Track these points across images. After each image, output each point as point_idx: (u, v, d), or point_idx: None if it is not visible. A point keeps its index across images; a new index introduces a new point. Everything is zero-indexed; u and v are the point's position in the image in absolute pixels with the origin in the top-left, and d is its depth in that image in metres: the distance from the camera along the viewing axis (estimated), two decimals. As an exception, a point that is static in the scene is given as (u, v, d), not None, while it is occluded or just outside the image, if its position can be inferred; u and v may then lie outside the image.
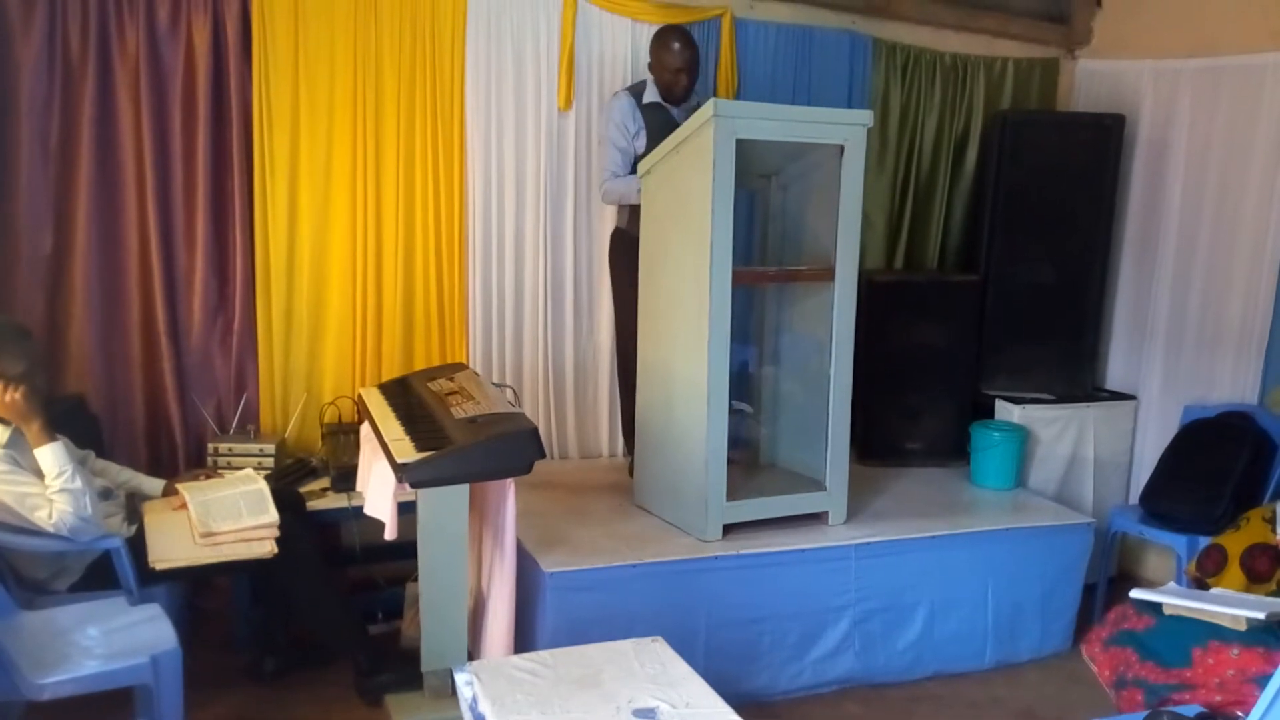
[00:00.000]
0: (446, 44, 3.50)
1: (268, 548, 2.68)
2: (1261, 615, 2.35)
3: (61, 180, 3.16)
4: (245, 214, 3.35)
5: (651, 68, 3.45)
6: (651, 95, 3.44)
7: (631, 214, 3.49)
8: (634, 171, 3.43)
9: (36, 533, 2.55)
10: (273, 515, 2.75)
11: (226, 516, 2.73)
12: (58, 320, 3.21)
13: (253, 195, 3.35)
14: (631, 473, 3.53)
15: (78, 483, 2.53)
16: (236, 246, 3.36)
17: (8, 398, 2.51)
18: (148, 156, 3.21)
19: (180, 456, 3.38)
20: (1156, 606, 2.53)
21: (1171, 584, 2.88)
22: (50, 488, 2.51)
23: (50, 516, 2.50)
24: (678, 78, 3.38)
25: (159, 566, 2.56)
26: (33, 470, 2.54)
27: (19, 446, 2.55)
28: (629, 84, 3.59)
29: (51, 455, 2.53)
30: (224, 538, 2.68)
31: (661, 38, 3.41)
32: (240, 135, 3.31)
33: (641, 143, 3.42)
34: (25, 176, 3.10)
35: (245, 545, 2.68)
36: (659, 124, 3.41)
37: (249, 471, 3.01)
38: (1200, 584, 3.13)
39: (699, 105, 3.50)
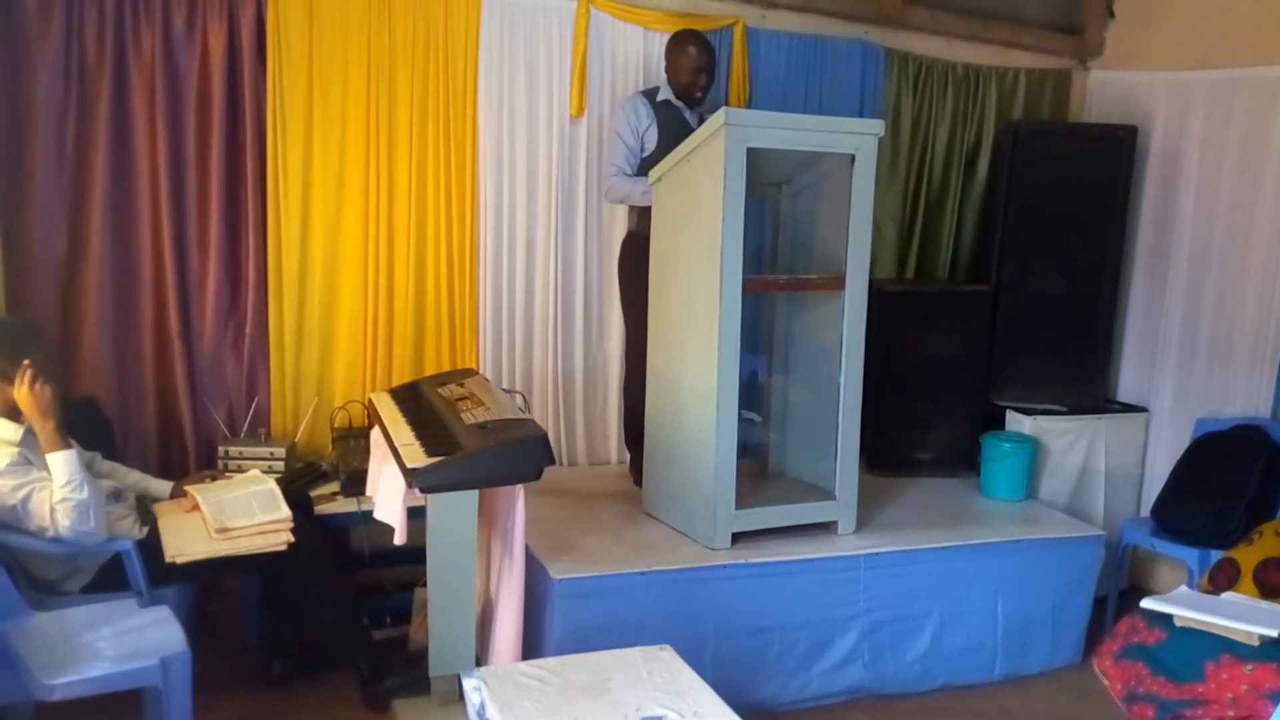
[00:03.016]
0: (459, 51, 3.52)
1: (283, 538, 2.70)
2: (1273, 632, 2.33)
3: (76, 184, 3.18)
4: (258, 218, 3.37)
5: (667, 70, 3.50)
6: (665, 95, 3.49)
7: (642, 217, 3.51)
8: (641, 173, 3.46)
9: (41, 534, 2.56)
10: (285, 512, 2.78)
11: (240, 514, 2.75)
12: (71, 323, 3.23)
13: (266, 200, 3.36)
14: (636, 480, 3.53)
15: (84, 493, 2.52)
16: (249, 251, 3.38)
17: (35, 389, 2.51)
18: (162, 161, 3.23)
19: (191, 459, 3.39)
20: (1168, 619, 2.52)
21: (1182, 588, 2.85)
22: (55, 496, 2.51)
23: (53, 521, 2.50)
24: (696, 78, 3.43)
25: (178, 561, 2.58)
26: (44, 469, 2.55)
27: (32, 446, 2.56)
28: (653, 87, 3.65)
29: (63, 462, 2.53)
30: (239, 533, 2.70)
31: (678, 41, 3.48)
32: (254, 140, 3.33)
33: (653, 137, 3.45)
34: (40, 180, 3.12)
35: (262, 538, 2.71)
36: (671, 121, 3.45)
37: (256, 473, 3.03)
38: (1212, 598, 3.12)
39: (712, 108, 3.53)
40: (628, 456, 3.89)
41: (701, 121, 3.46)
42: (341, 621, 2.94)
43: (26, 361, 2.53)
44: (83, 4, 3.08)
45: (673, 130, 3.42)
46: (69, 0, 3.06)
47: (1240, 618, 2.43)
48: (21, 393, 2.51)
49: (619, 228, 3.81)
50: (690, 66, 3.42)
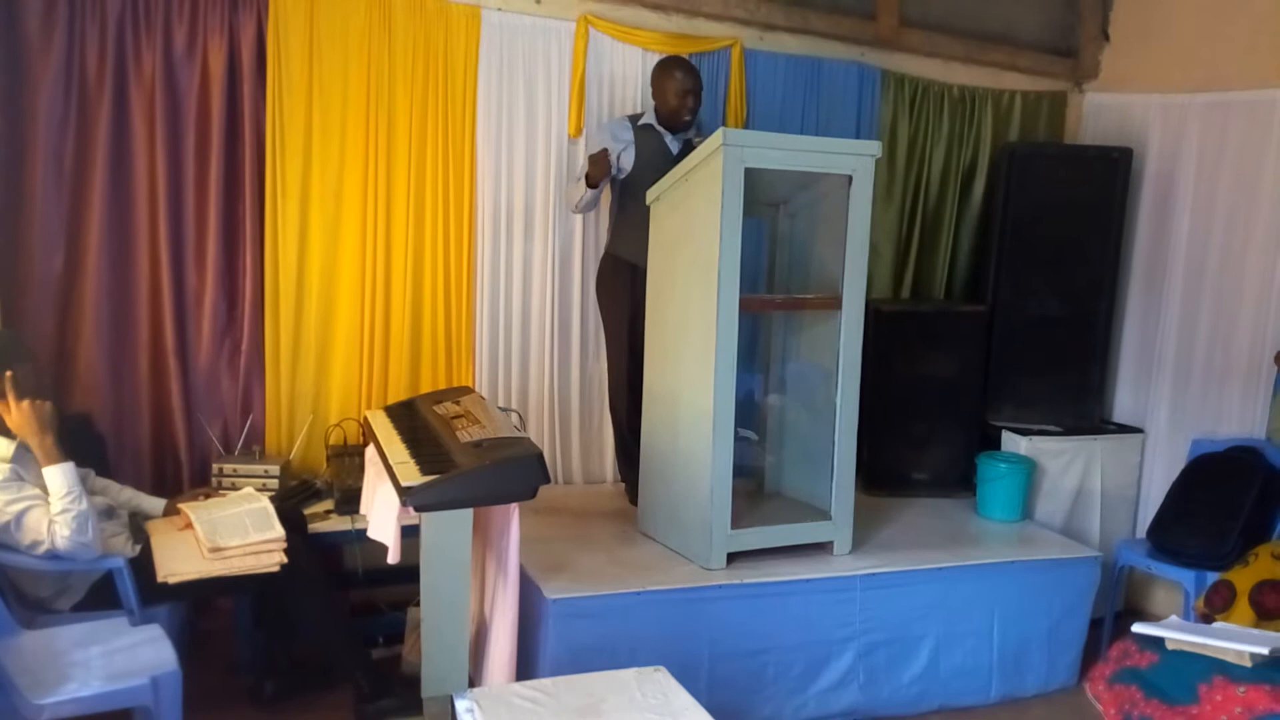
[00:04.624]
0: (459, 70, 3.54)
1: (276, 558, 2.69)
2: (1265, 651, 2.33)
3: (74, 200, 3.18)
4: (256, 236, 3.37)
5: (654, 95, 3.51)
6: (649, 119, 3.50)
7: (615, 237, 3.56)
8: (614, 193, 3.54)
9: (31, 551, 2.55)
10: (279, 530, 2.77)
11: (233, 533, 2.74)
12: (67, 339, 3.23)
13: (264, 218, 3.37)
14: (631, 499, 3.53)
15: (84, 504, 2.53)
16: (246, 268, 3.38)
17: (34, 404, 2.51)
18: (160, 178, 3.24)
19: (185, 476, 3.38)
20: (1159, 642, 2.51)
21: (1174, 617, 2.85)
22: (54, 508, 2.50)
23: (50, 535, 2.49)
24: (685, 100, 3.43)
25: (170, 581, 2.56)
26: (36, 485, 2.54)
27: (23, 461, 2.56)
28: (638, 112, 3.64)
29: (61, 475, 2.52)
30: (232, 552, 2.69)
31: (665, 66, 3.51)
32: (253, 158, 3.34)
33: (629, 159, 3.46)
34: (39, 196, 3.13)
35: (254, 558, 2.70)
36: (651, 145, 3.47)
37: (250, 490, 3.02)
38: (1208, 620, 3.10)
39: (696, 134, 3.55)
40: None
41: (684, 146, 3.48)
42: (340, 639, 2.93)
43: (9, 374, 2.52)
44: (84, 22, 3.10)
45: (651, 153, 3.45)
46: (70, 18, 3.08)
47: (1231, 640, 2.42)
48: (23, 408, 2.51)
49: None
50: (678, 89, 3.42)
